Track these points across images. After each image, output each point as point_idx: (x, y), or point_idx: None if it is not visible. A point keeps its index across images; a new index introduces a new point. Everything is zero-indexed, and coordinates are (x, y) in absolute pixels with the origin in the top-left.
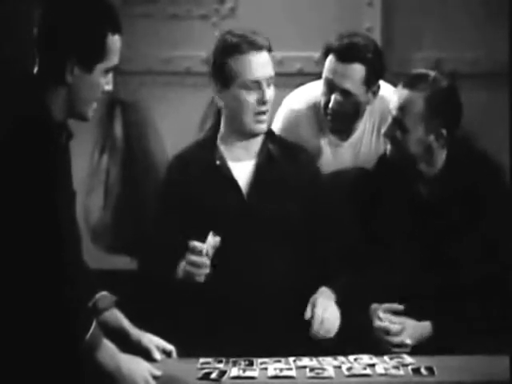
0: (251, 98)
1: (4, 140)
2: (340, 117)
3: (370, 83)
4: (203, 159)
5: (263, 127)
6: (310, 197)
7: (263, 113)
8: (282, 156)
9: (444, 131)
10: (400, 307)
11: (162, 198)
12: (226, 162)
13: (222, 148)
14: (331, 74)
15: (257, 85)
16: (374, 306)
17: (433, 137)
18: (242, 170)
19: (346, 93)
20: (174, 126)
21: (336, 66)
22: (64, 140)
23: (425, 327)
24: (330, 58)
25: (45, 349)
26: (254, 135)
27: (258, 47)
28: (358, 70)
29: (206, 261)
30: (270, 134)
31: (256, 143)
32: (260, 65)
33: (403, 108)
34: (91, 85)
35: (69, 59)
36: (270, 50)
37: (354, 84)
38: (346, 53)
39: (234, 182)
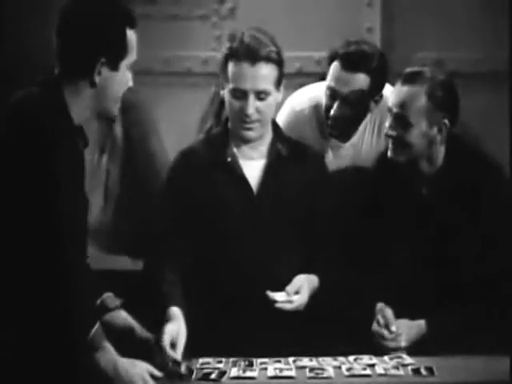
0: (237, 105)
1: (24, 144)
2: (340, 124)
3: (374, 93)
4: (213, 155)
5: (251, 134)
6: (317, 195)
7: (248, 122)
8: (291, 156)
9: (447, 122)
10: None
11: (169, 194)
12: (238, 160)
13: (233, 146)
14: (334, 82)
15: (243, 95)
16: (380, 305)
17: (436, 129)
18: (253, 168)
19: (348, 101)
20: (175, 126)
21: (340, 74)
22: (81, 146)
23: (420, 326)
24: (335, 65)
25: (46, 347)
26: (244, 140)
27: (255, 58)
28: (362, 79)
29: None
30: (278, 133)
31: (265, 143)
32: (251, 76)
33: (404, 104)
34: (118, 82)
35: (97, 60)
36: (278, 63)
37: (357, 93)
38: (352, 61)
39: (244, 180)
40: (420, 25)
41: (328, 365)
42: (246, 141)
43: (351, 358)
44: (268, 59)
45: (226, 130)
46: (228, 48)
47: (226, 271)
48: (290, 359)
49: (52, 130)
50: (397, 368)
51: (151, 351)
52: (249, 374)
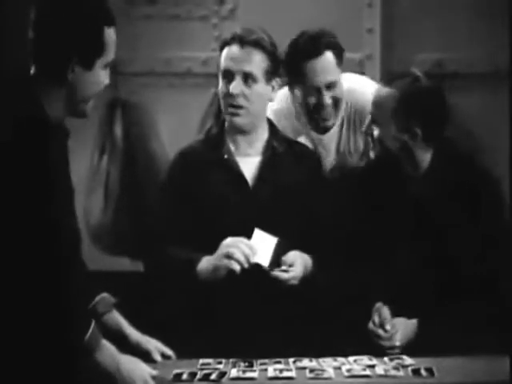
0: (225, 88)
1: (0, 140)
2: (333, 109)
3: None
4: (211, 153)
5: (237, 120)
6: (313, 192)
7: (233, 106)
8: (287, 153)
9: (419, 131)
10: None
11: (168, 192)
12: (234, 157)
13: (229, 143)
14: (318, 76)
15: (231, 77)
16: (378, 305)
17: (407, 136)
18: (249, 165)
19: (332, 84)
20: (175, 126)
21: (313, 65)
22: (60, 138)
23: (415, 325)
24: (308, 64)
25: (43, 349)
26: (234, 128)
27: (244, 41)
28: (331, 57)
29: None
30: (273, 131)
31: (261, 140)
32: (235, 57)
33: (377, 104)
34: (92, 81)
35: (70, 59)
36: (269, 53)
37: (336, 71)
38: (315, 46)
39: (241, 176)
40: (420, 25)
41: (328, 366)
42: (236, 129)
43: (351, 358)
44: (257, 44)
45: (224, 129)
46: (222, 41)
47: None
48: (290, 360)
49: (26, 127)
50: (397, 369)
51: (143, 354)
52: (249, 374)
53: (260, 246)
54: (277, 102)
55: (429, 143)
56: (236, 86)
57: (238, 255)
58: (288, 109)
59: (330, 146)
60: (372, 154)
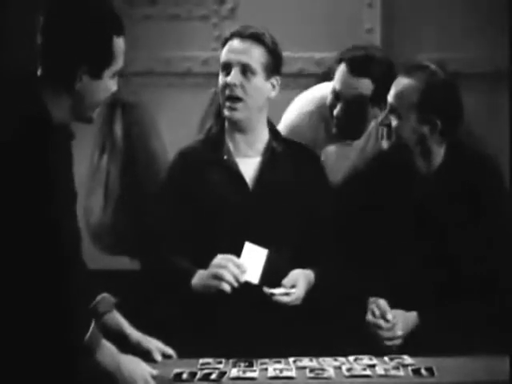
0: (222, 81)
1: (3, 140)
2: (342, 124)
3: (377, 99)
4: (210, 153)
5: (234, 115)
6: (313, 193)
7: (231, 98)
8: (287, 153)
9: (439, 123)
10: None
11: (167, 192)
12: (233, 157)
13: (229, 144)
14: (339, 84)
15: (228, 69)
16: (373, 298)
17: (427, 128)
18: (248, 165)
19: (350, 104)
20: (175, 126)
21: (345, 77)
22: (64, 140)
23: (414, 317)
24: (342, 68)
25: (43, 349)
26: (232, 124)
27: (240, 35)
28: (365, 84)
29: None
30: (274, 133)
31: (261, 141)
32: (234, 49)
33: (398, 95)
34: (100, 90)
35: (78, 68)
36: (269, 50)
37: (360, 98)
38: (357, 66)
39: (240, 177)
40: (420, 25)
41: (328, 365)
42: (234, 125)
43: (351, 358)
44: (257, 38)
45: (224, 129)
46: (224, 37)
47: None
48: (291, 359)
49: (30, 128)
50: (397, 368)
51: (144, 353)
52: (249, 374)
53: (250, 261)
54: (306, 104)
55: (444, 137)
56: (234, 76)
57: (228, 277)
58: (317, 111)
59: (353, 152)
60: (385, 145)
